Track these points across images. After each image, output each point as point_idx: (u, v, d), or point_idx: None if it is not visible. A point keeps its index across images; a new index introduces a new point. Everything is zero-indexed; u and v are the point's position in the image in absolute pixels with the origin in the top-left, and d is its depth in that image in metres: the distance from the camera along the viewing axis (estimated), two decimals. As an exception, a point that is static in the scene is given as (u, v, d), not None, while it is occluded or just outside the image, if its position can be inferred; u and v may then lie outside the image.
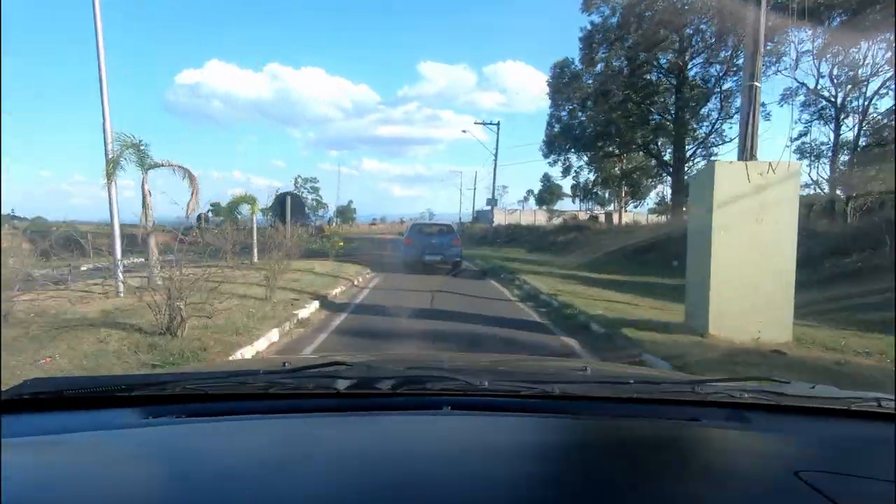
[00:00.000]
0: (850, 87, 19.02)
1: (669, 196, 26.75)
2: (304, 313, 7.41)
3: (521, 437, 0.93)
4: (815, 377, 4.10)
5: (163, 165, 9.39)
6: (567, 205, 47.99)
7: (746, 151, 6.27)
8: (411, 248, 13.22)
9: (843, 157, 20.25)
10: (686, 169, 23.58)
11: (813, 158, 20.82)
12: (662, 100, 24.81)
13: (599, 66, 24.16)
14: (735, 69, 20.89)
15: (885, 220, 10.79)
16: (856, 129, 19.42)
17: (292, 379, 1.11)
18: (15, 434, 0.86)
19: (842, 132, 20.09)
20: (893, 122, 17.89)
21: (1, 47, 9.86)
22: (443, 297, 9.54)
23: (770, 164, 5.92)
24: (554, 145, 27.24)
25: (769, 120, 23.75)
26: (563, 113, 26.45)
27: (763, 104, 13.41)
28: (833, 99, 19.72)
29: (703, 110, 23.69)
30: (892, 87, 17.42)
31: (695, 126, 24.05)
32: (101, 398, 1.02)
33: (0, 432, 0.84)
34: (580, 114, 25.79)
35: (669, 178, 26.08)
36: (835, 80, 19.44)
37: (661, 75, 24.42)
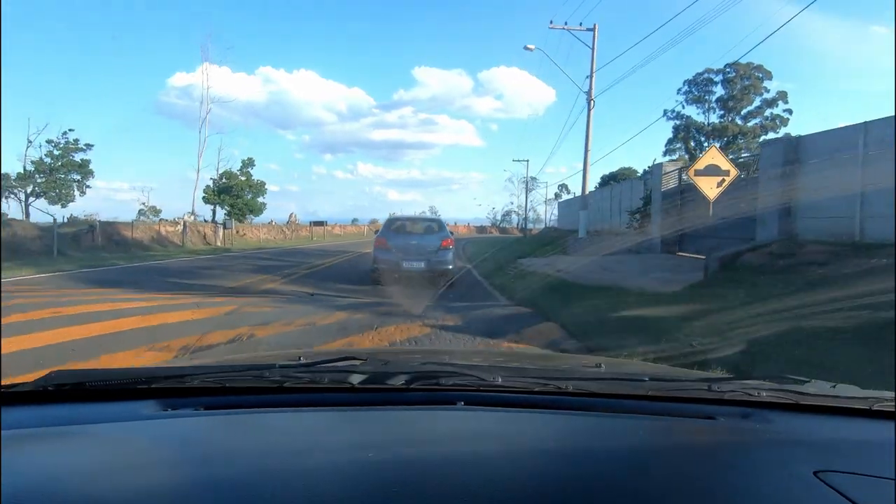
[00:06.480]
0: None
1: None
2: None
3: (534, 433, 0.93)
4: None
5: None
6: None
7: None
8: (385, 251, 9.67)
9: None
10: None
11: None
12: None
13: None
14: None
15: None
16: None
17: (308, 373, 1.11)
18: (39, 424, 0.89)
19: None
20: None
21: (1, 47, 9.89)
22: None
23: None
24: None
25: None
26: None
27: None
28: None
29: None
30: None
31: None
32: (123, 390, 1.04)
33: None
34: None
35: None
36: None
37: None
